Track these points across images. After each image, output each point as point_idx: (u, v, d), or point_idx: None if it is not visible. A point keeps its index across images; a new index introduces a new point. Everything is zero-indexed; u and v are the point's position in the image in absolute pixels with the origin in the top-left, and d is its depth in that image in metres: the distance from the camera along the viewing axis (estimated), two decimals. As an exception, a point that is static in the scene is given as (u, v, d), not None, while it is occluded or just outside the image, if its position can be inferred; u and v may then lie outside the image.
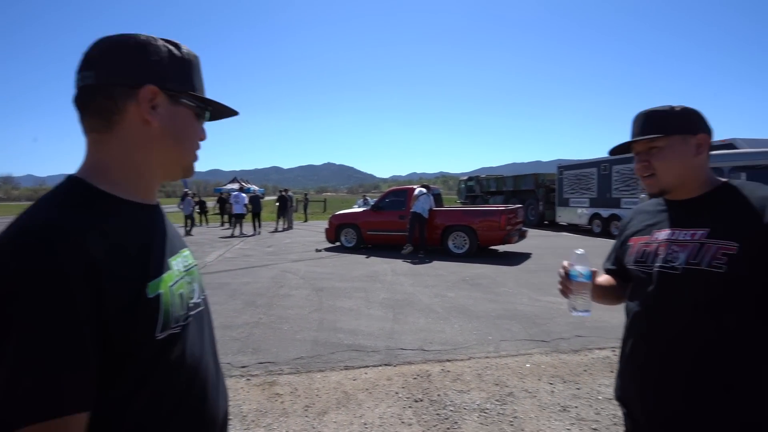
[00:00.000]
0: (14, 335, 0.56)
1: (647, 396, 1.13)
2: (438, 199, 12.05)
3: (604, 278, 1.40)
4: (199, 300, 0.83)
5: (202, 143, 0.83)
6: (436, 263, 9.05)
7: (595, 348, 4.11)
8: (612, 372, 3.53)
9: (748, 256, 1.00)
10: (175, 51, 0.76)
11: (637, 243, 1.24)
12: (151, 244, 0.74)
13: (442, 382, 3.45)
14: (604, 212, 14.32)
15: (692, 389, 1.06)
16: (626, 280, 1.30)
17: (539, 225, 18.13)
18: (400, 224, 10.08)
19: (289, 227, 18.74)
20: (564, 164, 17.01)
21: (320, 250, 11.18)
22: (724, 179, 1.18)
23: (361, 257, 10.04)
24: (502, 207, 10.59)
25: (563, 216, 16.74)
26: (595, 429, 2.74)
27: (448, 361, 3.88)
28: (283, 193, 18.78)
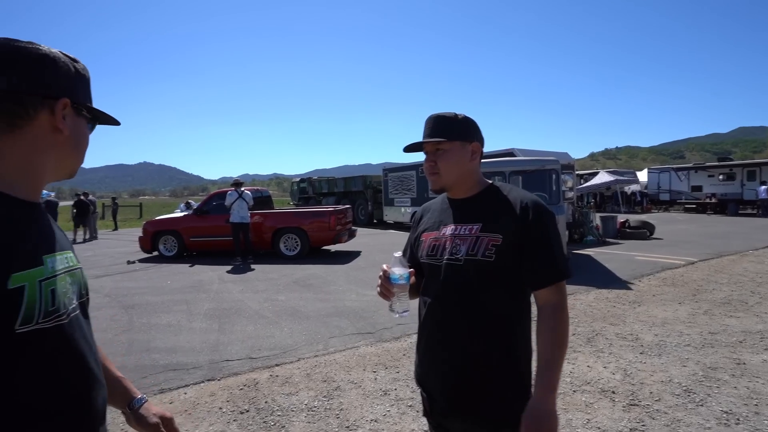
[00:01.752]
0: None
1: (444, 372, 1.26)
2: (268, 201, 11.73)
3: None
4: (76, 303, 0.82)
5: None
6: (267, 267, 8.80)
7: (414, 333, 4.54)
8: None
9: (508, 246, 1.20)
10: (78, 66, 0.85)
11: (428, 238, 1.35)
12: (22, 239, 0.74)
13: (270, 388, 3.37)
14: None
15: (472, 358, 1.22)
16: (421, 274, 1.39)
17: (369, 224, 19.31)
18: (227, 229, 9.45)
19: (92, 237, 15.84)
20: (388, 167, 18.49)
21: (133, 262, 9.75)
22: (489, 181, 1.36)
23: (184, 266, 9.12)
24: (331, 208, 10.92)
25: (389, 215, 18.18)
26: (410, 406, 3.05)
27: (277, 365, 3.82)
28: (82, 198, 15.78)
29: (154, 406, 1.06)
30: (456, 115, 1.30)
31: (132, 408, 1.03)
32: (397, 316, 1.29)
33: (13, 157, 0.78)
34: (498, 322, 1.23)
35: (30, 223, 0.78)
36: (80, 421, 0.78)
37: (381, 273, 1.31)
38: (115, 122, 0.96)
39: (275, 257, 9.82)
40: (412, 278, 1.33)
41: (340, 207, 11.15)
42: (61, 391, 0.75)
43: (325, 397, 3.20)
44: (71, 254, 0.87)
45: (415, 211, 1.55)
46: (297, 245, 9.85)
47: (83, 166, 0.93)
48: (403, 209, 17.22)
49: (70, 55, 0.84)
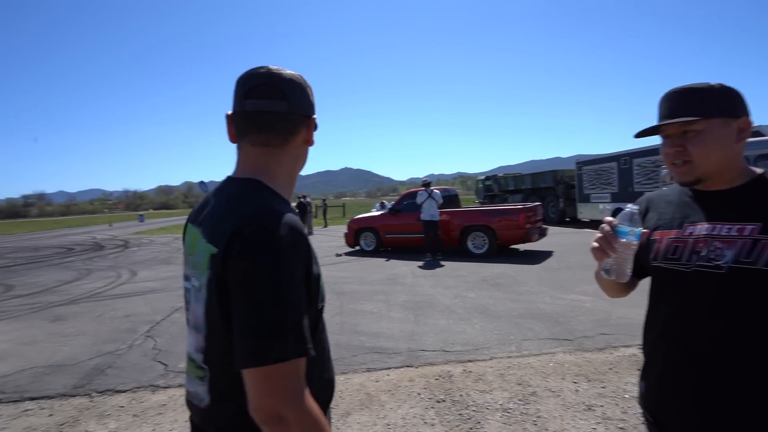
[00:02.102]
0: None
1: (687, 411, 1.03)
2: (455, 199, 12.00)
3: None
4: None
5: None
6: (455, 264, 9.02)
7: (621, 346, 4.04)
8: (639, 370, 3.46)
9: None
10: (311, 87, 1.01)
11: (664, 237, 1.10)
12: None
13: (464, 382, 3.46)
14: (626, 207, 14.01)
15: (744, 408, 0.94)
16: (636, 275, 1.21)
17: (560, 222, 17.85)
18: (418, 226, 10.07)
19: (309, 233, 18.96)
20: (583, 160, 16.73)
21: (340, 255, 11.28)
22: (759, 170, 1.06)
23: (381, 260, 10.09)
24: (520, 205, 10.49)
25: (584, 212, 16.44)
26: (622, 428, 2.71)
27: (470, 361, 3.89)
28: (302, 200, 19.01)
29: None
30: (710, 85, 1.02)
31: None
32: (613, 278, 1.07)
33: (283, 168, 0.98)
34: None
35: None
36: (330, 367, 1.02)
37: (604, 225, 1.06)
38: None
39: (463, 255, 9.98)
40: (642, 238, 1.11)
41: (530, 204, 10.63)
42: (326, 349, 1.01)
43: (520, 400, 3.11)
44: None
45: (646, 199, 1.25)
46: (485, 243, 9.81)
47: (299, 173, 1.10)
48: (601, 206, 15.34)
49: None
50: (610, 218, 1.08)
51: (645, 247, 1.14)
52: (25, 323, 5.93)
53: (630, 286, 1.26)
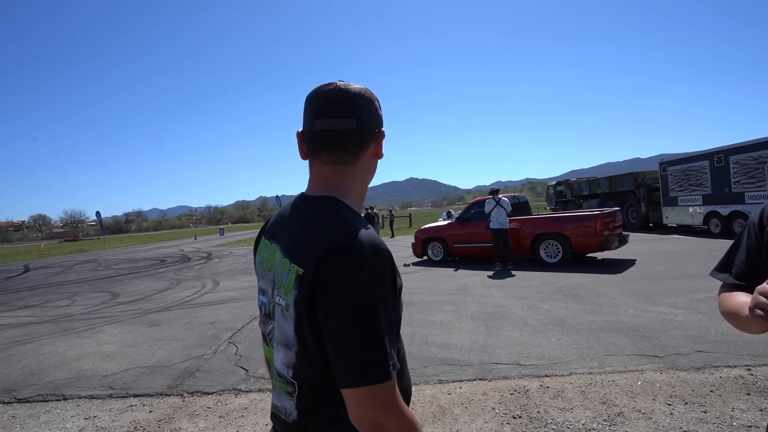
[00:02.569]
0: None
1: None
2: (525, 206, 11.57)
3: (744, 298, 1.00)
4: None
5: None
6: (527, 274, 8.66)
7: (723, 366, 3.62)
8: (749, 395, 3.09)
9: None
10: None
11: None
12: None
13: (541, 398, 3.29)
14: (724, 209, 12.63)
15: None
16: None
17: (643, 228, 16.51)
18: (487, 235, 9.82)
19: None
20: (667, 159, 15.37)
21: (408, 265, 11.30)
22: None
23: (450, 270, 9.96)
24: (597, 211, 9.86)
25: (671, 217, 15.06)
26: (727, 457, 2.42)
27: (547, 376, 3.70)
28: (369, 211, 19.37)
29: None
30: None
31: None
32: None
33: (355, 183, 0.98)
34: None
35: None
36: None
37: (765, 286, 0.84)
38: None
39: (536, 264, 9.57)
40: (737, 298, 0.95)
41: (608, 210, 9.96)
42: (404, 356, 0.99)
43: (605, 420, 2.90)
44: None
45: (763, 210, 1.04)
46: (559, 252, 9.33)
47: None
48: (691, 209, 13.98)
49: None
50: None
51: None
52: (128, 327, 6.61)
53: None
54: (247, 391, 3.87)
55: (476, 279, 8.57)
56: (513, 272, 8.96)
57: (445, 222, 12.46)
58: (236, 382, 4.08)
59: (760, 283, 0.90)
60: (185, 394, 3.90)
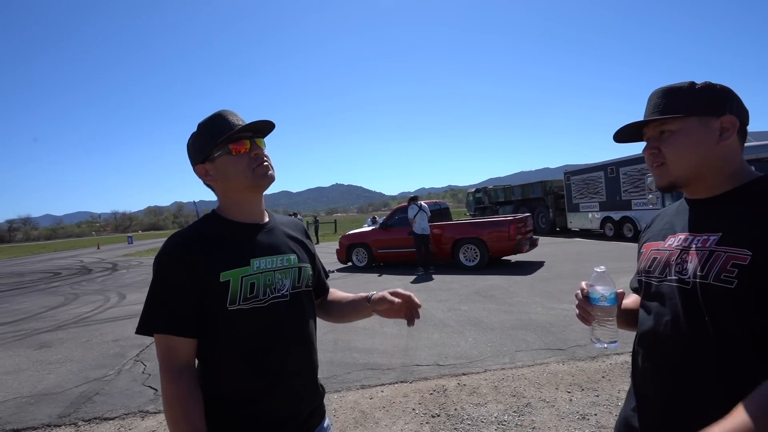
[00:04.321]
0: None
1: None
2: (446, 212, 12.06)
3: (631, 299, 1.16)
4: (285, 292, 1.12)
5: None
6: (448, 277, 9.03)
7: (613, 354, 4.05)
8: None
9: (763, 267, 0.78)
10: None
11: (648, 250, 1.04)
12: (231, 248, 1.07)
13: (458, 396, 3.44)
14: (615, 215, 14.21)
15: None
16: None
17: (551, 232, 18.01)
18: (410, 241, 10.08)
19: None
20: (571, 170, 16.98)
21: (332, 272, 11.22)
22: (758, 173, 0.95)
23: (374, 276, 10.05)
24: (510, 217, 10.57)
25: (574, 221, 16.62)
26: (615, 436, 2.70)
27: (464, 374, 3.87)
28: (293, 217, 18.99)
29: (386, 292, 1.23)
30: (693, 83, 0.94)
31: (369, 301, 1.26)
32: (600, 346, 1.02)
33: (219, 198, 1.18)
34: (737, 378, 0.82)
35: (247, 236, 1.12)
36: (265, 368, 1.06)
37: (578, 291, 1.05)
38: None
39: (455, 268, 10.00)
40: (625, 300, 1.07)
41: (520, 215, 10.72)
42: (255, 344, 1.06)
43: (515, 412, 3.10)
44: (293, 256, 1.17)
45: (642, 235, 1.17)
46: (476, 256, 9.85)
47: (289, 189, 1.20)
48: (590, 215, 15.55)
49: None
50: (584, 283, 1.05)
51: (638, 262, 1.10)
52: (8, 352, 5.78)
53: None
54: (155, 413, 3.56)
55: (399, 283, 8.75)
56: (434, 276, 9.28)
57: (370, 228, 12.59)
58: (143, 403, 3.75)
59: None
60: (80, 423, 3.49)
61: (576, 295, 1.07)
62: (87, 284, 12.86)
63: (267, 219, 1.20)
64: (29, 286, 13.68)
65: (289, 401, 1.09)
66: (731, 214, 0.89)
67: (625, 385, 3.37)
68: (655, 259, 1.00)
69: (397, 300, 1.20)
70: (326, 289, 1.41)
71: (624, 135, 1.04)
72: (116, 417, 3.53)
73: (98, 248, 38.39)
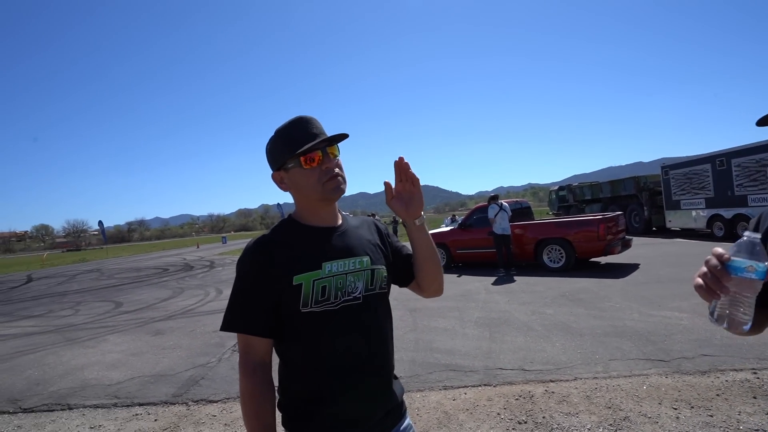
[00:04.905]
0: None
1: None
2: (528, 212, 11.56)
3: None
4: (358, 294, 1.13)
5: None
6: (531, 279, 8.65)
7: (729, 369, 3.60)
8: (755, 398, 3.07)
9: None
10: None
11: None
12: (304, 252, 1.11)
13: (546, 403, 3.28)
14: (727, 213, 12.60)
15: None
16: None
17: (646, 232, 16.46)
18: (489, 241, 9.82)
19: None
20: (669, 163, 15.37)
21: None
22: None
23: (453, 276, 9.95)
24: (599, 215, 9.85)
25: (674, 220, 15.02)
26: (734, 460, 2.41)
27: (552, 381, 3.69)
28: (370, 217, 19.40)
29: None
30: None
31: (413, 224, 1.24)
32: (722, 326, 0.82)
33: (295, 202, 1.22)
34: None
35: (319, 240, 1.14)
36: (337, 369, 1.08)
37: (711, 257, 0.81)
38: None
39: (539, 269, 9.56)
40: None
41: (611, 214, 9.95)
42: (327, 346, 1.09)
43: (611, 425, 2.89)
44: (366, 258, 1.18)
45: (761, 215, 1.04)
46: (562, 257, 9.32)
47: (366, 191, 1.17)
48: (694, 213, 13.95)
49: None
50: (720, 250, 0.83)
51: None
52: (132, 336, 6.62)
53: (763, 323, 0.97)
54: (251, 399, 3.86)
55: (479, 285, 8.56)
56: (516, 278, 8.95)
57: (448, 228, 12.46)
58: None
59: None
60: (190, 403, 3.90)
61: (707, 261, 0.82)
62: (190, 279, 14.28)
63: (340, 222, 1.22)
64: (145, 279, 15.52)
65: (362, 402, 1.11)
66: None
67: (746, 406, 2.98)
68: None
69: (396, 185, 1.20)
70: (411, 265, 1.33)
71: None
72: (219, 400, 3.89)
73: (198, 247, 42.40)
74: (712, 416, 2.90)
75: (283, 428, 1.14)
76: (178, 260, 25.39)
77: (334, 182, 1.13)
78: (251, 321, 1.08)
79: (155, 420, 3.61)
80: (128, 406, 3.95)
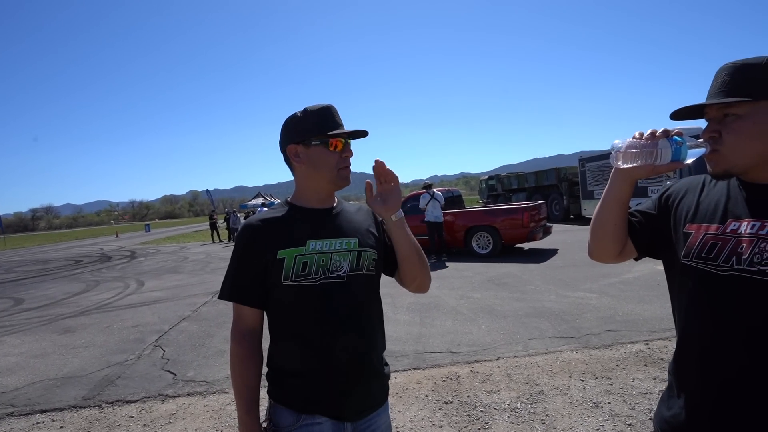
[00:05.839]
0: None
1: None
2: (459, 200, 11.99)
3: (638, 215, 1.09)
4: (342, 273, 1.16)
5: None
6: (461, 265, 9.02)
7: (627, 342, 4.03)
8: (646, 366, 3.47)
9: None
10: None
11: (700, 231, 0.94)
12: (292, 230, 1.18)
13: (471, 383, 3.46)
14: (631, 203, 13.96)
15: None
16: (639, 239, 1.06)
17: (565, 220, 17.80)
18: (422, 228, 10.07)
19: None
20: (586, 156, 16.68)
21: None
22: None
23: (386, 263, 10.09)
24: (524, 204, 10.47)
25: (589, 209, 16.38)
26: (630, 425, 2.70)
27: (477, 362, 3.89)
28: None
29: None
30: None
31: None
32: (614, 151, 0.95)
33: (296, 185, 1.29)
34: None
35: (310, 220, 1.20)
36: (312, 344, 1.14)
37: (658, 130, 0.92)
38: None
39: (468, 255, 9.98)
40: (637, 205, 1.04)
41: (534, 203, 10.62)
42: (306, 320, 1.15)
43: (528, 399, 3.11)
44: (355, 240, 1.22)
45: (667, 189, 1.09)
46: (489, 243, 9.81)
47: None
48: (606, 202, 15.29)
49: None
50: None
51: (674, 240, 1.00)
52: (36, 336, 5.99)
53: (617, 241, 1.07)
54: (174, 396, 3.67)
55: (412, 271, 8.76)
56: (447, 264, 9.29)
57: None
58: (162, 387, 3.86)
59: (643, 230, 1.06)
60: (104, 405, 3.62)
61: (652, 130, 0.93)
62: (107, 271, 13.18)
63: (335, 205, 1.28)
64: (53, 273, 14.08)
65: (332, 379, 1.14)
66: None
67: (639, 373, 3.35)
68: (714, 245, 0.90)
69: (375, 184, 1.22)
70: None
71: (684, 113, 0.93)
72: (137, 400, 3.65)
73: (117, 236, 39.23)
74: (612, 384, 3.23)
75: (267, 396, 1.22)
76: (93, 250, 23.33)
77: (347, 171, 1.22)
78: (239, 290, 1.18)
79: (60, 427, 3.30)
80: (27, 414, 3.56)
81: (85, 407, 3.60)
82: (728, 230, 0.89)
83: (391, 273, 1.35)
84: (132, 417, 3.36)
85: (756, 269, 0.83)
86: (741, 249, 0.85)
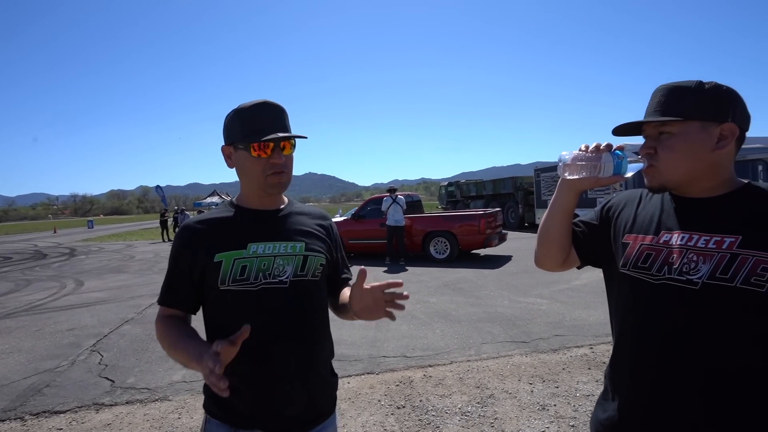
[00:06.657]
0: None
1: None
2: (418, 205, 12.11)
3: (584, 226, 1.17)
4: (285, 278, 1.10)
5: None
6: (418, 269, 9.08)
7: (573, 346, 4.18)
8: (590, 369, 3.61)
9: None
10: None
11: (637, 241, 0.99)
12: (232, 232, 1.12)
13: (424, 387, 3.46)
14: (581, 212, 14.59)
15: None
16: (582, 248, 1.14)
17: (519, 227, 18.40)
18: (382, 232, 10.08)
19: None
20: (541, 167, 17.35)
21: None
22: (745, 180, 0.96)
23: (344, 266, 10.00)
24: (481, 211, 10.72)
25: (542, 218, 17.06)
26: (572, 426, 2.79)
27: (430, 366, 3.90)
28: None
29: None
30: (701, 84, 0.91)
31: (350, 303, 1.16)
32: (566, 160, 1.02)
33: (241, 185, 1.21)
34: (751, 386, 0.85)
35: (253, 222, 1.14)
36: (250, 351, 1.04)
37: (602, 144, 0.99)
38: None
39: (426, 260, 10.07)
40: (582, 216, 1.12)
41: (490, 210, 10.89)
42: (237, 327, 0.98)
43: (478, 403, 3.15)
44: (301, 244, 1.15)
45: (608, 200, 1.17)
46: (446, 248, 9.95)
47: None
48: (557, 211, 15.97)
49: None
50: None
51: (613, 249, 1.06)
52: (-47, 340, 5.43)
53: (561, 249, 1.14)
54: (111, 405, 3.43)
55: (370, 275, 8.64)
56: (406, 267, 9.33)
57: (341, 218, 12.49)
58: (98, 395, 3.59)
59: (588, 242, 1.15)
60: (27, 417, 3.31)
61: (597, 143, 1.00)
62: (41, 270, 12.25)
63: (282, 206, 1.21)
64: (-23, 270, 12.90)
65: (272, 392, 1.08)
66: (741, 217, 0.89)
67: (583, 376, 3.48)
68: (649, 255, 0.96)
69: (368, 287, 1.11)
70: (338, 287, 1.30)
71: (623, 130, 1.01)
72: (68, 410, 3.37)
73: (55, 232, 36.65)
74: (558, 387, 3.33)
75: (203, 409, 1.16)
76: (26, 246, 21.66)
77: (276, 178, 1.11)
78: (172, 295, 1.14)
79: (-24, 440, 3.00)
80: (-62, 426, 3.22)
81: (4, 420, 3.28)
82: (661, 241, 0.96)
83: (329, 293, 1.28)
84: (60, 429, 3.10)
85: (684, 278, 0.89)
86: (672, 259, 0.92)
